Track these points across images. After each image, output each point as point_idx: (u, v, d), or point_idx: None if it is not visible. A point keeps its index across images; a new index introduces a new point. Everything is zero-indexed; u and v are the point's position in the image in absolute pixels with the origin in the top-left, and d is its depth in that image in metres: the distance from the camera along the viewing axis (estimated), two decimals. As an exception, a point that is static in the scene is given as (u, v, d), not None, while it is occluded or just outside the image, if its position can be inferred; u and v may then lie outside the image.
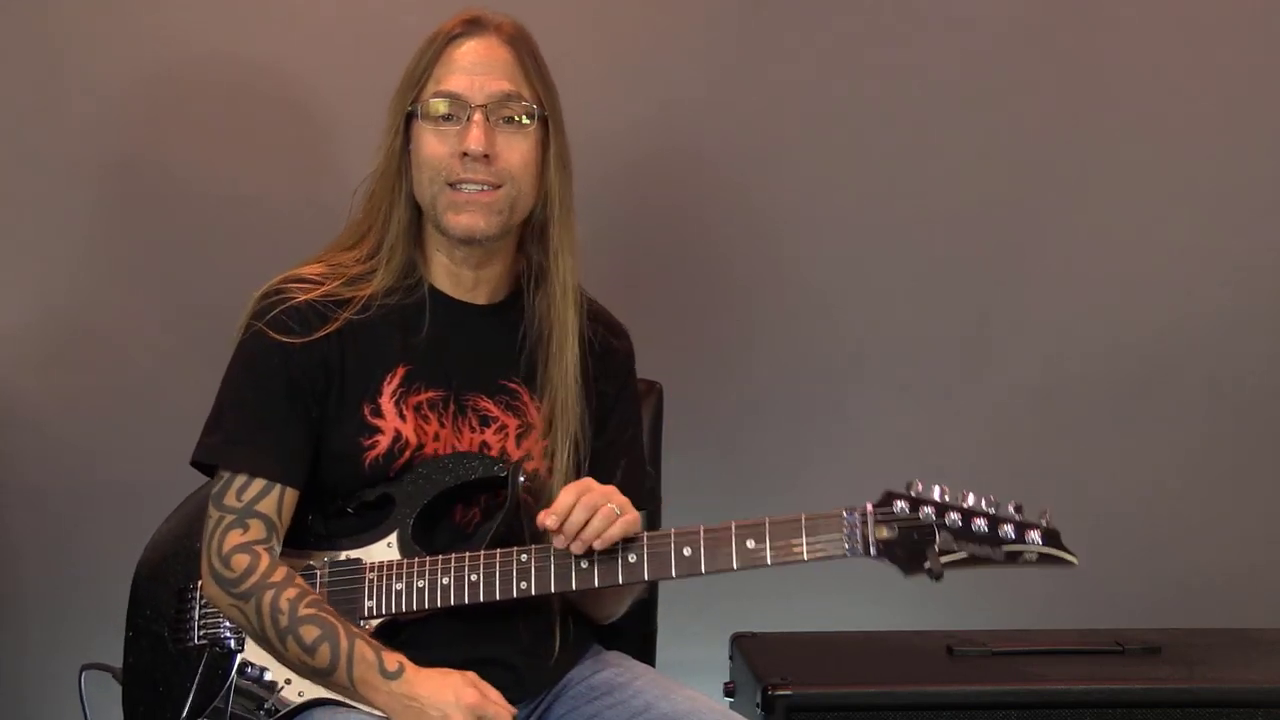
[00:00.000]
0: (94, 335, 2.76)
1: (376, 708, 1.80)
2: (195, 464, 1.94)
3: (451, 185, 1.90)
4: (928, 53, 2.83)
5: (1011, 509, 1.81)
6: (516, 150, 1.91)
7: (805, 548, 1.81)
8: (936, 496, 1.81)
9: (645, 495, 2.04)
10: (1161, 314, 2.93)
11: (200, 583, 1.92)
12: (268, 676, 1.88)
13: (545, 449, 1.96)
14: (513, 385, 1.98)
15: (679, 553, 1.83)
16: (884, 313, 2.90)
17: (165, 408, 2.62)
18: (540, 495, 1.94)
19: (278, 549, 1.87)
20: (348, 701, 1.83)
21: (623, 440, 2.05)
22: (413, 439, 1.91)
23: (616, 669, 2.00)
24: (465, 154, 1.88)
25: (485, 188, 1.89)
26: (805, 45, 2.81)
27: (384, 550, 1.90)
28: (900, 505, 1.81)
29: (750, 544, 1.82)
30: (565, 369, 1.95)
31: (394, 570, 1.88)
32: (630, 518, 1.83)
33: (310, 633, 1.80)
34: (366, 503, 1.92)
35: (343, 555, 1.91)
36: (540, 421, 1.97)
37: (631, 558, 1.84)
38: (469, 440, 1.94)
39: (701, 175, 2.85)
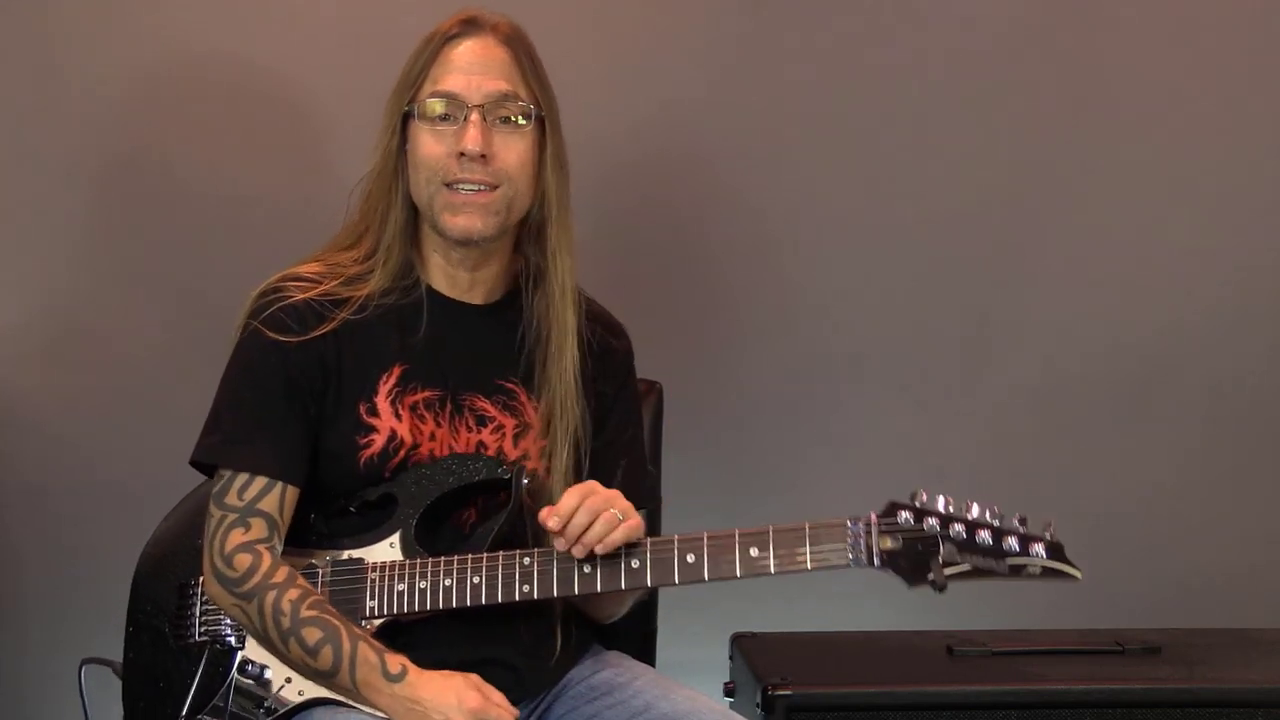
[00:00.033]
0: (94, 335, 2.76)
1: (379, 710, 1.80)
2: (195, 464, 1.94)
3: (448, 186, 1.90)
4: (928, 53, 2.83)
5: (1016, 521, 1.81)
6: (513, 150, 1.91)
7: (809, 557, 1.81)
8: (941, 508, 1.81)
9: (646, 495, 2.04)
10: (1161, 314, 2.93)
11: (202, 579, 1.92)
12: (268, 674, 1.88)
13: (543, 449, 1.96)
14: (510, 385, 1.97)
15: (682, 559, 1.83)
16: (884, 313, 2.90)
17: (165, 408, 2.62)
18: (540, 497, 1.93)
19: (279, 547, 1.87)
20: (348, 702, 1.83)
21: (622, 440, 2.05)
22: (408, 439, 1.91)
23: (616, 669, 1.99)
24: (462, 154, 1.88)
25: (482, 188, 1.89)
26: (805, 45, 2.81)
27: (386, 550, 1.90)
28: (905, 516, 1.81)
29: (754, 552, 1.82)
30: (564, 369, 1.95)
31: (396, 571, 1.88)
32: (632, 524, 1.82)
33: (312, 635, 1.80)
34: (369, 502, 1.92)
35: (345, 555, 1.91)
36: (538, 421, 1.96)
37: (634, 563, 1.84)
38: (466, 440, 1.94)
39: (702, 175, 2.85)
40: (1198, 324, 2.93)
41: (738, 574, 1.82)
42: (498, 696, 1.80)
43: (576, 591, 1.85)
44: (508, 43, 1.93)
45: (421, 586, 1.86)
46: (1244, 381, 2.96)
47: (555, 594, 1.86)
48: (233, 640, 1.91)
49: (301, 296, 1.91)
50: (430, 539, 1.90)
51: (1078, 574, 1.80)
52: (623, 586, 1.85)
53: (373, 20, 2.69)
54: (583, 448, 1.97)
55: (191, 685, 1.90)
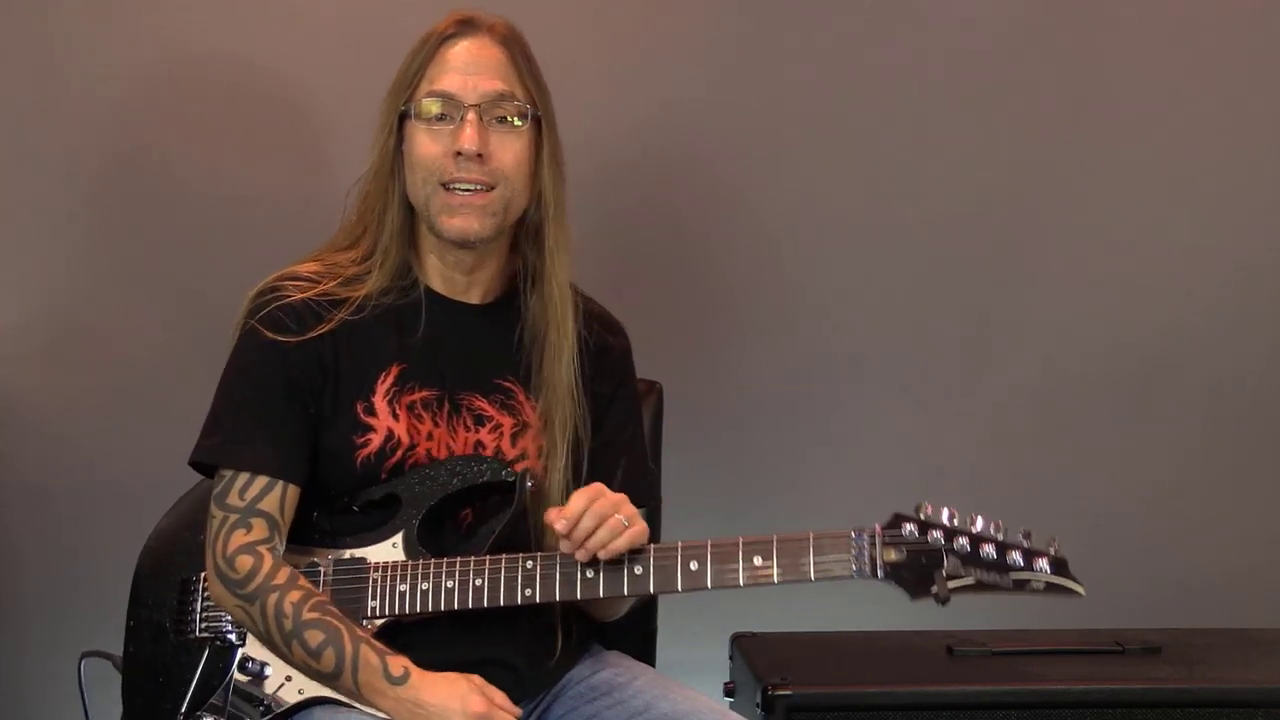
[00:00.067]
0: (94, 335, 2.76)
1: (383, 712, 1.80)
2: (195, 464, 1.94)
3: (445, 186, 1.90)
4: (928, 53, 2.83)
5: (1020, 535, 1.81)
6: (510, 150, 1.91)
7: (812, 567, 1.81)
8: (945, 520, 1.81)
9: (646, 493, 2.04)
10: (1161, 314, 2.93)
11: (204, 575, 1.92)
12: (268, 672, 1.88)
13: (541, 448, 1.96)
14: (507, 384, 1.97)
15: (685, 567, 1.83)
16: (884, 313, 2.90)
17: (165, 408, 2.61)
18: (540, 498, 1.94)
19: (281, 548, 1.87)
20: (348, 701, 1.82)
21: (622, 439, 2.05)
22: (405, 439, 1.91)
23: (616, 669, 1.99)
24: (459, 153, 1.88)
25: (479, 188, 1.89)
26: (805, 45, 2.81)
27: (389, 550, 1.90)
28: (909, 528, 1.81)
29: (757, 561, 1.82)
30: (561, 368, 1.95)
31: (398, 571, 1.88)
32: (637, 530, 1.82)
33: (315, 637, 1.80)
34: (372, 501, 1.92)
35: (347, 554, 1.91)
36: (536, 420, 1.96)
37: (637, 569, 1.84)
38: (463, 439, 1.94)
39: (702, 175, 2.85)
40: (1198, 324, 2.93)
41: (740, 583, 1.82)
42: (500, 698, 1.80)
43: (579, 596, 1.86)
44: (504, 43, 1.93)
45: (424, 588, 1.86)
46: (1244, 381, 2.96)
47: (557, 598, 1.86)
48: (233, 637, 1.91)
49: (300, 296, 1.91)
50: (432, 540, 1.90)
51: (1081, 590, 1.80)
52: (625, 593, 1.85)
53: (372, 20, 2.69)
54: (582, 447, 1.97)
55: (191, 681, 1.90)
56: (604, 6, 2.80)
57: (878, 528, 1.82)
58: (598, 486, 1.84)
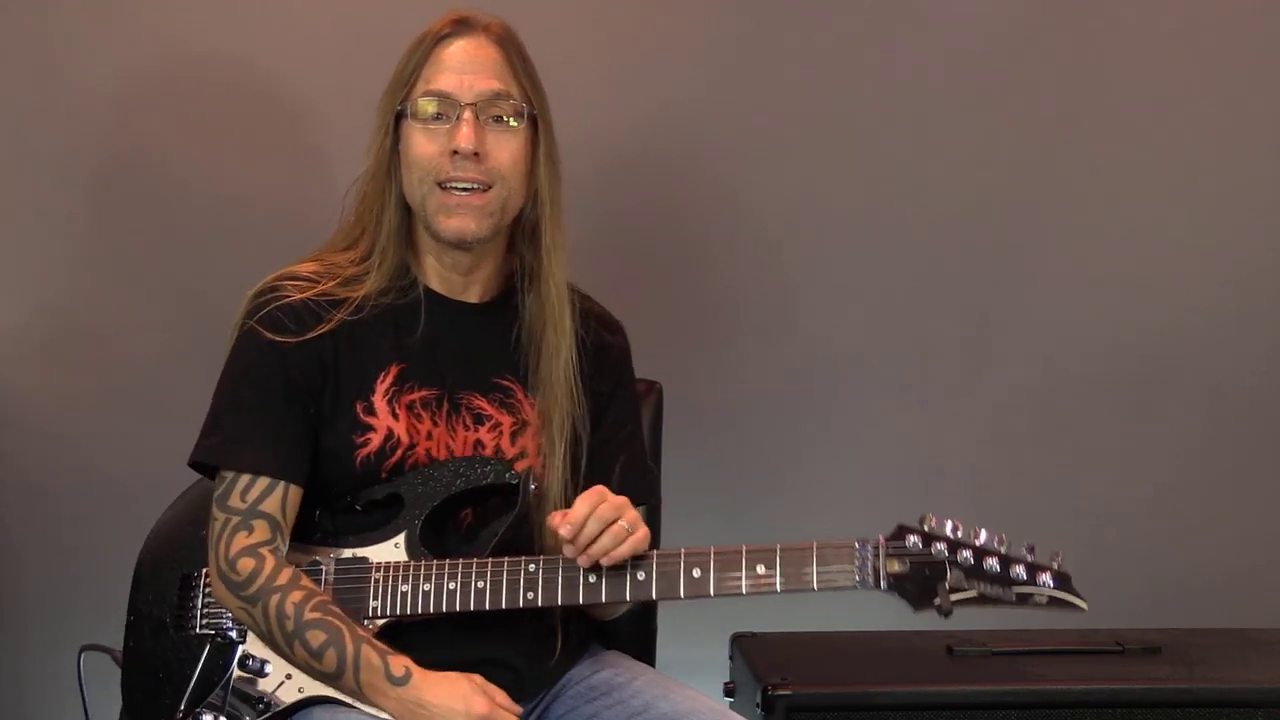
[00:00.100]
0: (94, 335, 2.76)
1: (386, 712, 1.80)
2: (194, 465, 1.94)
3: (441, 186, 1.89)
4: (927, 53, 2.83)
5: (1024, 550, 1.82)
6: (506, 149, 1.91)
7: (815, 577, 1.81)
8: (949, 533, 1.81)
9: (645, 490, 2.05)
10: (1161, 314, 2.93)
11: (205, 571, 1.92)
12: (268, 669, 1.87)
13: (540, 446, 1.96)
14: (506, 383, 1.97)
15: (688, 574, 1.83)
16: (884, 313, 2.90)
17: (165, 408, 2.61)
18: (542, 498, 1.94)
19: (284, 549, 1.87)
20: (347, 701, 1.82)
21: (620, 436, 2.05)
22: (404, 438, 1.91)
23: (616, 669, 1.99)
24: (455, 152, 1.88)
25: (475, 187, 1.89)
26: (805, 45, 2.81)
27: (391, 550, 1.90)
28: (913, 540, 1.82)
29: (760, 569, 1.82)
30: (559, 366, 1.95)
31: (401, 572, 1.88)
32: (639, 536, 1.82)
33: (316, 637, 1.80)
34: (374, 501, 1.92)
35: (349, 553, 1.91)
36: (535, 419, 1.96)
37: (640, 575, 1.84)
38: (463, 439, 1.94)
39: (702, 175, 2.85)
40: (1198, 324, 2.93)
41: (743, 590, 1.82)
42: (501, 697, 1.80)
43: (581, 601, 1.86)
44: (499, 42, 1.93)
45: (425, 589, 1.86)
46: (1244, 381, 2.96)
47: (560, 603, 1.86)
48: (234, 634, 1.91)
49: (299, 296, 1.90)
50: (434, 540, 1.90)
51: (1084, 605, 1.80)
52: (627, 599, 1.86)
53: (372, 21, 2.69)
54: (580, 445, 1.97)
55: (191, 677, 1.90)
56: (604, 6, 2.80)
57: (881, 539, 1.82)
58: (600, 490, 1.84)
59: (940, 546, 1.81)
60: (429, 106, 1.90)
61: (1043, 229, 2.89)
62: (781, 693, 2.22)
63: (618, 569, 1.84)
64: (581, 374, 1.98)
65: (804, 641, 2.47)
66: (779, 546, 1.82)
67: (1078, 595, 1.80)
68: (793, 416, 2.90)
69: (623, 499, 1.83)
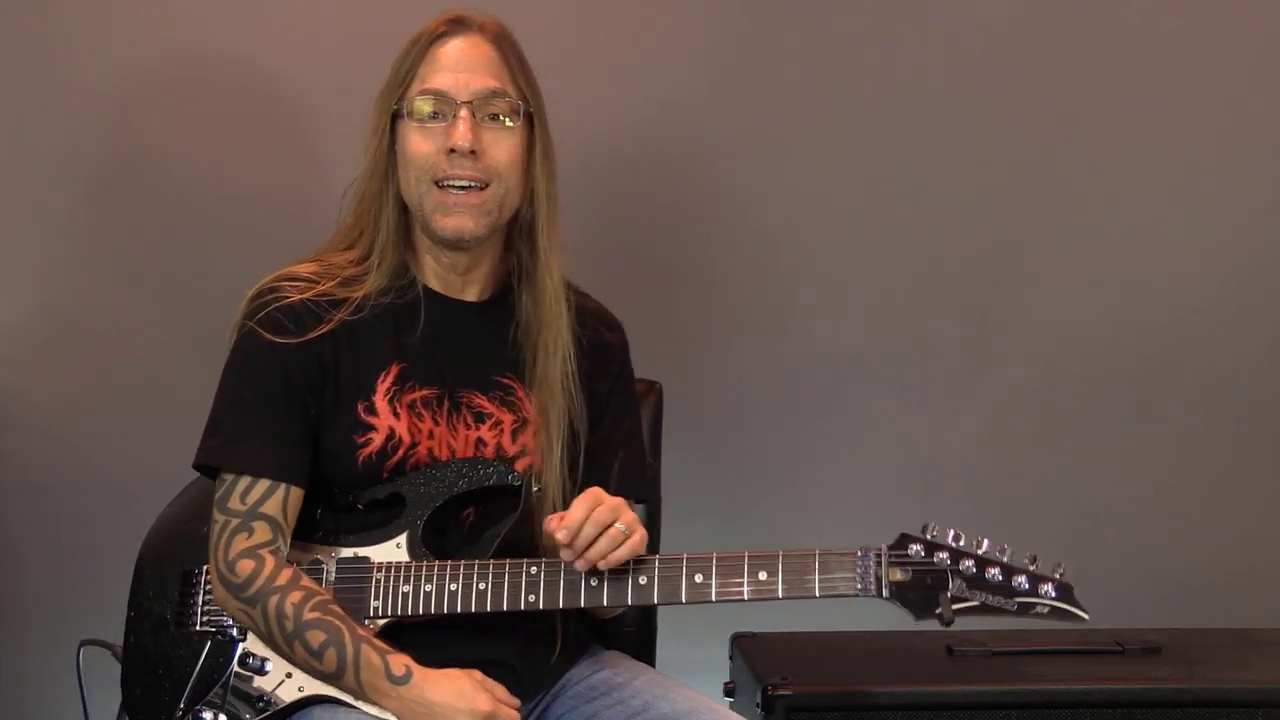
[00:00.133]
0: (94, 335, 2.76)
1: (387, 711, 1.80)
2: (198, 467, 1.93)
3: (439, 185, 1.89)
4: (927, 53, 2.83)
5: (1026, 560, 1.82)
6: (503, 147, 1.90)
7: (817, 584, 1.82)
8: (951, 542, 1.82)
9: (645, 487, 2.05)
10: (1161, 314, 2.93)
11: (206, 568, 1.91)
12: (268, 668, 1.87)
13: (540, 444, 1.96)
14: (506, 381, 1.97)
15: (690, 579, 1.83)
16: (884, 313, 2.90)
17: (165, 408, 2.62)
18: (543, 499, 1.94)
19: (284, 550, 1.87)
20: (347, 700, 1.82)
21: (619, 434, 2.05)
22: (406, 437, 1.91)
23: (615, 669, 1.99)
24: (452, 150, 1.88)
25: (473, 185, 1.89)
26: (805, 45, 2.81)
27: (392, 550, 1.90)
28: (915, 549, 1.82)
29: (763, 575, 1.82)
30: (557, 364, 1.95)
31: (402, 572, 1.88)
32: (637, 539, 1.82)
33: (316, 637, 1.80)
34: (376, 500, 1.92)
35: (350, 552, 1.91)
36: (536, 416, 1.96)
37: (642, 580, 1.84)
38: (464, 437, 1.94)
39: (701, 175, 2.85)
40: (1198, 324, 2.93)
41: (745, 596, 1.82)
42: (502, 693, 1.81)
43: (583, 604, 1.86)
44: (495, 41, 1.93)
45: (427, 590, 1.86)
46: (1244, 381, 2.96)
47: (561, 605, 1.86)
48: (234, 631, 1.91)
49: (299, 297, 1.90)
50: (435, 541, 1.90)
51: (1085, 616, 1.81)
52: (629, 603, 1.86)
53: (371, 20, 2.69)
54: (578, 442, 1.97)
55: (191, 675, 1.90)
56: (604, 6, 2.80)
57: (884, 547, 1.82)
58: (596, 492, 1.84)
59: (943, 555, 1.81)
60: (425, 105, 1.90)
61: (1043, 229, 2.89)
62: (781, 693, 2.22)
63: (619, 573, 1.83)
64: (579, 372, 1.98)
65: (804, 641, 2.47)
66: (781, 553, 1.83)
67: (1079, 607, 1.81)
68: (793, 416, 2.90)
69: (619, 500, 1.83)
